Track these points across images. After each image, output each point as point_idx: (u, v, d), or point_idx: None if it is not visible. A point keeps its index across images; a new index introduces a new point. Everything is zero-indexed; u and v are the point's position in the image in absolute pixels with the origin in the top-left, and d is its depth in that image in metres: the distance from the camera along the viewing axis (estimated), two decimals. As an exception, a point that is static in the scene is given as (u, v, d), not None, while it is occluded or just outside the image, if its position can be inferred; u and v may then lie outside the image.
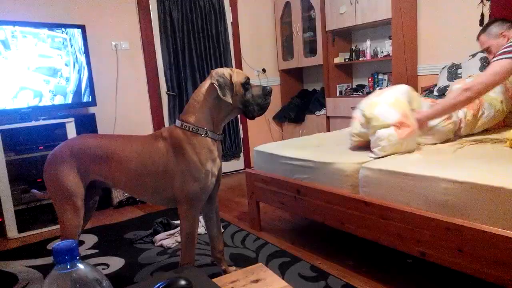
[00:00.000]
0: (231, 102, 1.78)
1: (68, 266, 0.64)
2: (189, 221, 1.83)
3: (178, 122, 1.82)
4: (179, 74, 4.41)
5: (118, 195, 3.79)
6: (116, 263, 2.48)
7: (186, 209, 1.81)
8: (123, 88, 4.11)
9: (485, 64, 3.10)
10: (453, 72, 3.25)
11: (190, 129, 1.78)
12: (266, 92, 1.88)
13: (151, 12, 4.21)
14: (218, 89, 1.75)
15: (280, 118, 5.28)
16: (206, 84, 1.82)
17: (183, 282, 0.97)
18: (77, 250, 0.65)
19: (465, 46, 3.44)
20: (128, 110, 4.15)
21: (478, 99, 2.30)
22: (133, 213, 3.53)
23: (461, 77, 3.13)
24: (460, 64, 3.27)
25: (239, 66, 4.92)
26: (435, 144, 2.28)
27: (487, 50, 2.24)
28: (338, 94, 4.61)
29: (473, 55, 3.23)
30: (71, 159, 1.81)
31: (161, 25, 4.26)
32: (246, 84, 1.83)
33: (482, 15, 3.31)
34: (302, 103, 5.13)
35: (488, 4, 3.28)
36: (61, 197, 1.82)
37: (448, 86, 3.05)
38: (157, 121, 4.31)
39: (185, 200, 1.80)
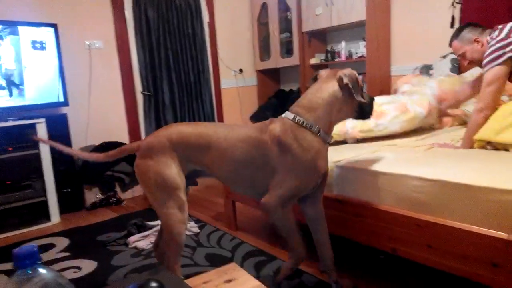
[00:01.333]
0: (364, 100, 1.73)
1: (29, 272, 0.62)
2: (278, 216, 1.72)
3: (289, 115, 1.71)
4: (154, 73, 4.35)
5: (91, 197, 3.72)
6: (88, 266, 2.42)
7: (276, 203, 1.69)
8: (96, 88, 4.03)
9: (455, 65, 3.20)
10: (425, 73, 3.33)
11: (303, 124, 1.67)
12: (372, 101, 1.84)
13: (125, 11, 4.14)
14: (353, 90, 1.68)
15: (257, 118, 5.29)
16: (330, 83, 1.72)
17: (154, 285, 0.96)
18: (38, 254, 0.63)
19: (437, 47, 3.53)
20: (101, 110, 4.06)
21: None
22: (107, 215, 3.47)
23: (432, 77, 3.21)
24: (431, 65, 3.35)
25: (215, 66, 4.90)
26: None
27: (462, 55, 2.26)
28: (314, 95, 4.64)
29: (444, 56, 3.32)
30: (170, 148, 1.66)
31: (136, 24, 4.20)
32: (362, 87, 1.80)
33: (453, 18, 3.41)
34: (279, 103, 5.15)
35: (458, 7, 3.37)
36: (163, 191, 1.64)
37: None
38: (132, 121, 4.24)
39: (276, 190, 1.68)
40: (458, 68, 3.22)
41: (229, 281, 1.06)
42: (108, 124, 4.10)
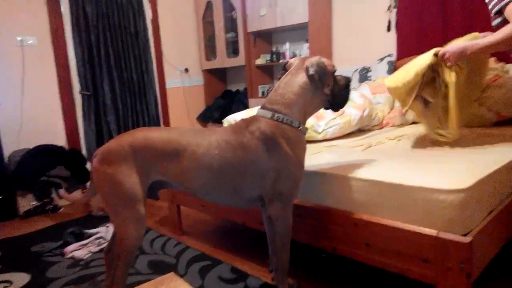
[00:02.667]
0: (329, 93, 1.66)
1: None
2: (283, 221, 1.66)
3: (266, 113, 1.64)
4: (94, 72, 4.16)
5: (24, 204, 3.48)
6: (20, 279, 2.26)
7: (280, 209, 1.63)
8: (30, 87, 3.77)
9: (391, 67, 3.34)
10: (364, 75, 3.46)
11: (284, 121, 1.61)
12: (349, 82, 1.78)
13: (61, 6, 3.91)
14: (318, 82, 1.62)
15: (204, 118, 5.23)
16: (299, 74, 1.66)
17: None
18: None
19: (374, 50, 3.67)
20: (36, 111, 3.81)
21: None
22: (42, 223, 3.26)
23: (370, 80, 3.34)
24: (370, 67, 3.48)
25: (160, 64, 4.78)
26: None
27: None
28: (260, 95, 4.67)
29: (381, 59, 3.46)
30: (132, 156, 1.52)
31: (73, 19, 3.98)
32: (334, 73, 1.72)
33: (389, 22, 3.56)
34: (226, 104, 5.12)
35: (394, 11, 3.53)
36: (120, 203, 1.52)
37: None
38: (70, 123, 4.02)
39: (279, 200, 1.62)
40: (394, 70, 3.37)
41: (164, 292, 1.02)
42: (43, 126, 3.85)
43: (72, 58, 4.03)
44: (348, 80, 1.79)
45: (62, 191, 1.81)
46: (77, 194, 1.73)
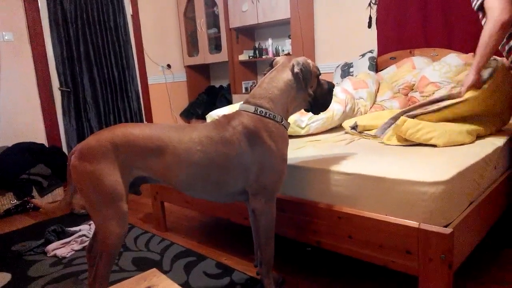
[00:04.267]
0: (312, 94, 1.67)
1: None
2: (267, 215, 1.66)
3: (249, 107, 1.64)
4: (73, 68, 4.08)
5: (4, 203, 3.40)
6: (1, 278, 2.21)
7: (264, 203, 1.64)
8: (6, 84, 3.68)
9: (373, 63, 3.38)
10: (346, 71, 3.49)
11: (267, 115, 1.62)
12: (332, 87, 1.80)
13: (38, 1, 3.82)
14: (301, 80, 1.64)
15: (187, 114, 5.20)
16: (285, 72, 1.69)
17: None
18: None
19: (356, 46, 3.71)
20: (14, 108, 3.72)
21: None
22: (23, 222, 3.19)
23: (352, 75, 3.37)
24: (351, 63, 3.52)
25: (141, 60, 4.72)
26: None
27: None
28: (243, 91, 4.67)
29: (363, 55, 3.50)
30: (112, 153, 1.49)
31: (50, 14, 3.90)
32: (318, 76, 1.74)
33: (370, 18, 3.60)
34: (209, 100, 5.11)
35: (375, 7, 3.57)
36: (101, 201, 1.48)
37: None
38: (50, 120, 3.94)
39: (262, 194, 1.63)
40: (375, 66, 3.42)
41: (149, 288, 1.02)
42: (22, 123, 3.77)
43: (50, 54, 3.95)
44: (331, 86, 1.83)
45: (34, 200, 1.77)
46: (47, 203, 1.69)
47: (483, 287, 1.79)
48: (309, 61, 1.74)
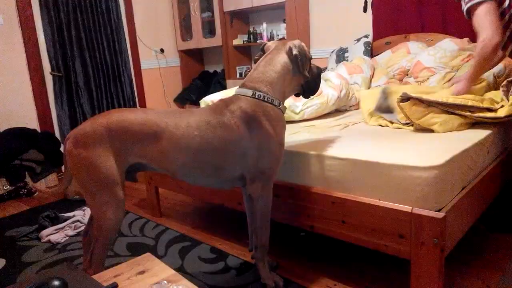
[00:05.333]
0: (309, 77, 1.68)
1: None
2: (264, 199, 1.66)
3: (246, 91, 1.62)
4: (65, 52, 4.01)
5: (-3, 189, 3.38)
6: (-6, 265, 2.22)
7: (261, 187, 1.63)
8: (-3, 69, 3.62)
9: (368, 48, 3.36)
10: (341, 56, 3.47)
11: (265, 99, 1.60)
12: (321, 71, 1.80)
13: (28, -17, 3.73)
14: (299, 63, 1.63)
15: (181, 100, 5.16)
16: (281, 54, 1.68)
17: (56, 283, 0.89)
18: None
19: (351, 31, 3.68)
20: (4, 94, 3.66)
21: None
22: (16, 208, 3.18)
23: (347, 60, 3.36)
24: (347, 48, 3.49)
25: (134, 45, 4.66)
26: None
27: None
28: (238, 76, 4.63)
29: (358, 40, 3.48)
30: (108, 139, 1.47)
31: (41, -3, 3.82)
32: (310, 60, 1.74)
33: (366, 2, 3.56)
34: (203, 85, 5.06)
35: (370, -8, 3.53)
36: (98, 187, 1.47)
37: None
38: (42, 105, 3.89)
39: (260, 178, 1.62)
40: (370, 51, 3.40)
41: (142, 272, 1.02)
42: (13, 108, 3.72)
43: (41, 38, 3.87)
44: (320, 70, 1.84)
45: (36, 185, 1.77)
46: (49, 189, 1.68)
47: (474, 271, 1.82)
48: (304, 44, 1.73)
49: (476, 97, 1.98)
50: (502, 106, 1.99)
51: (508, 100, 1.97)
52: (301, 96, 1.87)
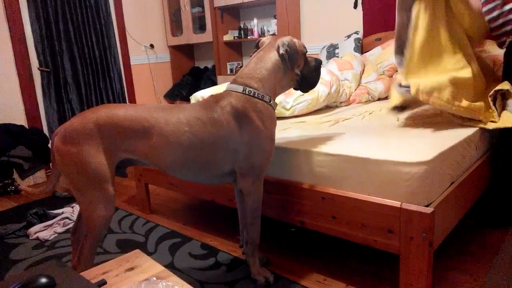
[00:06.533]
0: (299, 74, 1.67)
1: None
2: (254, 195, 1.67)
3: (237, 87, 1.62)
4: (53, 47, 3.96)
5: (-17, 186, 3.33)
6: (-19, 263, 2.19)
7: (251, 183, 1.64)
8: (-17, 64, 3.56)
9: (358, 45, 3.37)
10: (332, 52, 3.47)
11: (255, 95, 1.60)
12: (319, 64, 1.78)
13: (14, -24, 3.67)
14: (287, 61, 1.62)
15: (171, 96, 5.13)
16: (272, 51, 1.67)
17: (43, 280, 0.87)
18: None
19: (342, 27, 3.69)
20: (-9, 88, 3.61)
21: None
22: (3, 205, 3.14)
23: (338, 57, 3.36)
24: (337, 44, 3.50)
25: (123, 40, 4.61)
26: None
27: None
28: (229, 72, 4.62)
29: (348, 36, 3.48)
30: (97, 134, 1.46)
31: (28, -9, 3.75)
32: (305, 54, 1.72)
33: (356, -1, 3.57)
34: (194, 81, 5.04)
35: (361, -12, 3.53)
36: (87, 183, 1.46)
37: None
38: (30, 101, 3.84)
39: (250, 174, 1.62)
40: (361, 47, 3.41)
41: (131, 269, 1.01)
42: (0, 104, 3.66)
43: (28, 33, 3.82)
44: (318, 62, 1.81)
45: (23, 186, 1.75)
46: (35, 189, 1.67)
47: (462, 265, 1.84)
48: (295, 40, 1.72)
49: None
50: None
51: (497, 110, 1.99)
52: (290, 94, 1.86)
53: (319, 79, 1.84)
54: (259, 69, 1.65)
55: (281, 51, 1.65)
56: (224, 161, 1.61)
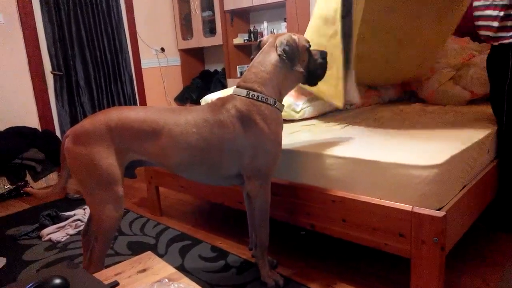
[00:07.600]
0: (303, 71, 1.67)
1: None
2: (262, 198, 1.67)
3: (241, 91, 1.62)
4: (65, 51, 4.02)
5: (-2, 188, 3.38)
6: (-5, 263, 2.22)
7: (258, 186, 1.64)
8: (-2, 68, 3.62)
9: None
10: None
11: (259, 99, 1.60)
12: (325, 56, 1.77)
13: (28, -19, 3.74)
14: (287, 61, 1.62)
15: (181, 99, 5.16)
16: (272, 53, 1.66)
17: (58, 281, 0.89)
18: None
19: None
20: (5, 93, 3.67)
21: None
22: (17, 207, 3.19)
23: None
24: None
25: (134, 44, 4.66)
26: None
27: None
28: (238, 75, 4.63)
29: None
30: (108, 136, 1.48)
31: (41, -4, 3.82)
32: (309, 48, 1.71)
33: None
34: (204, 84, 5.06)
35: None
36: (97, 184, 1.48)
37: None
38: (43, 104, 3.90)
39: (256, 176, 1.63)
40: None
41: (143, 270, 1.02)
42: (14, 107, 3.72)
43: (42, 37, 3.88)
44: (324, 55, 1.78)
45: (27, 188, 1.78)
46: (41, 190, 1.70)
47: (475, 270, 1.82)
48: (295, 36, 1.69)
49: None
50: None
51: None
52: (305, 92, 1.86)
53: (326, 71, 1.80)
54: (260, 73, 1.66)
55: (279, 52, 1.65)
56: (230, 163, 1.62)
